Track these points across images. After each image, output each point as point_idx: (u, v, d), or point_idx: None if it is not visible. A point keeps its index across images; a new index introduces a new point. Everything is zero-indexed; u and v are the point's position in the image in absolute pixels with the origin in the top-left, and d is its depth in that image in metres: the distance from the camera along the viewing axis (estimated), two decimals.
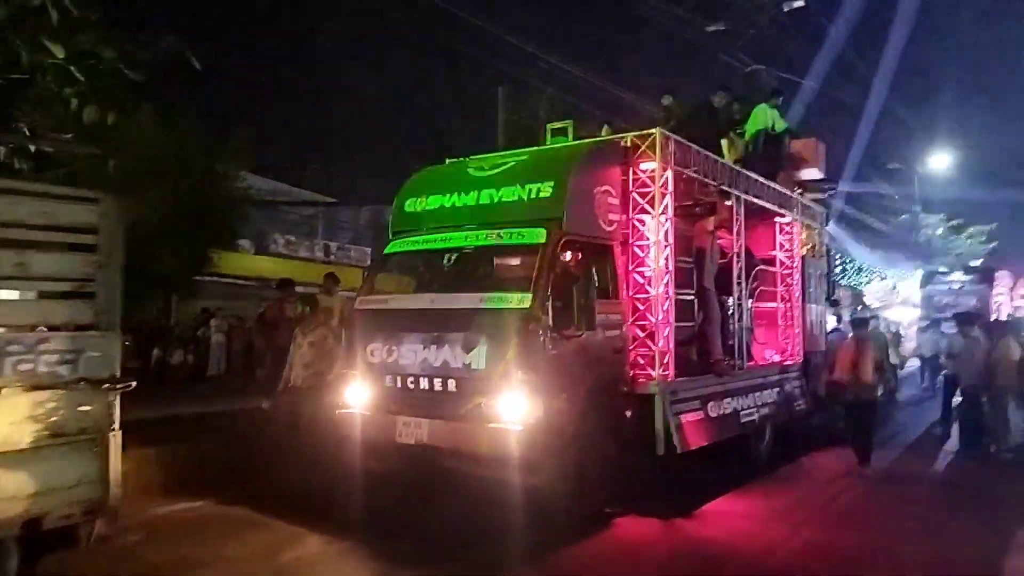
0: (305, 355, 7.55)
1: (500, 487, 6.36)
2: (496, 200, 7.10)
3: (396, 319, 6.93)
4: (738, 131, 11.05)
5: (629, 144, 7.79)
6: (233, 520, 6.75)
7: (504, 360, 6.27)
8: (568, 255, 6.85)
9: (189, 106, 16.80)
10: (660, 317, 7.60)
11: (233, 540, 6.20)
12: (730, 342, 9.44)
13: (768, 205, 10.20)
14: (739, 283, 9.51)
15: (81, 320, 4.46)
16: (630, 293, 7.57)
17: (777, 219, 10.78)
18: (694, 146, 8.33)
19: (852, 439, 9.46)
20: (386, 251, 7.60)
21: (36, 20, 6.25)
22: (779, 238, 10.92)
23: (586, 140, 8.05)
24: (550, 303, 6.40)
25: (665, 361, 7.60)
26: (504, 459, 6.14)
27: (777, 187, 10.56)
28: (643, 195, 7.63)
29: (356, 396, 7.13)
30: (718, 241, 9.39)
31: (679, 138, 8.08)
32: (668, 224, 7.73)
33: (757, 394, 9.25)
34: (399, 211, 7.69)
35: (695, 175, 8.27)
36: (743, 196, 9.48)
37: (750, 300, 9.91)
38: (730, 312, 9.50)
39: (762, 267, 10.32)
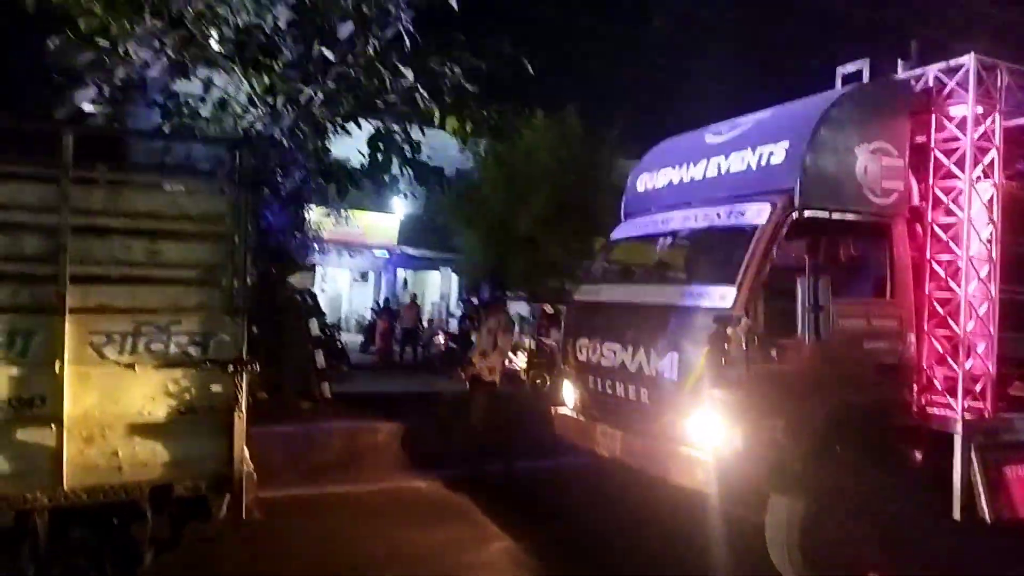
0: (482, 342, 7.38)
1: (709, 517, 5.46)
2: (724, 171, 6.02)
3: (601, 314, 6.36)
4: None
5: (929, 83, 5.86)
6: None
7: (695, 371, 5.21)
8: (808, 237, 5.74)
9: (565, 101, 18.00)
10: (971, 325, 5.65)
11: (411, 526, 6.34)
12: None
13: None
14: None
15: (210, 305, 4.84)
16: (928, 290, 5.79)
17: None
18: None
19: None
20: (612, 237, 7.02)
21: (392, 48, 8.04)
22: None
23: (847, 87, 6.25)
24: (762, 302, 5.13)
25: (979, 388, 5.62)
26: (698, 492, 5.18)
27: None
28: (950, 152, 5.76)
29: (569, 395, 6.78)
30: None
31: (1015, 65, 5.81)
32: (992, 192, 5.70)
33: None
34: (631, 191, 7.06)
35: None
36: None
37: None
38: None
39: None
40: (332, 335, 14.81)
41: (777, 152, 5.54)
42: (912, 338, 5.67)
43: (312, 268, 13.83)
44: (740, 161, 5.87)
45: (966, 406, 5.50)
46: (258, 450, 5.15)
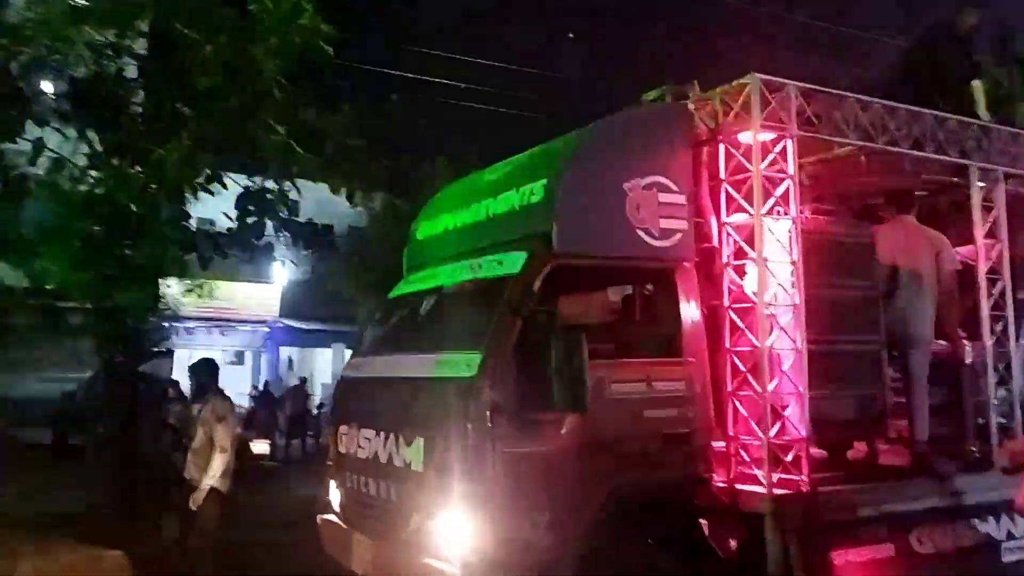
0: (198, 437, 6.28)
1: None
2: (490, 214, 5.53)
3: (362, 393, 5.78)
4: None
5: (716, 107, 5.43)
6: None
7: (438, 458, 4.57)
8: (575, 289, 5.43)
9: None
10: (774, 383, 5.07)
11: None
12: (979, 419, 6.12)
13: None
14: (1000, 317, 6.18)
15: None
16: (728, 344, 5.25)
17: None
18: (858, 96, 5.68)
19: None
20: (389, 296, 6.48)
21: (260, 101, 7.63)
22: None
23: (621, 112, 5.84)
24: (513, 369, 4.53)
25: (790, 457, 5.02)
26: None
27: None
28: (739, 185, 5.34)
29: (334, 495, 5.97)
30: (951, 250, 6.27)
31: (810, 86, 5.46)
32: (790, 228, 5.27)
33: None
34: (412, 240, 6.53)
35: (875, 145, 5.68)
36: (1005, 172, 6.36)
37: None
38: (986, 365, 6.17)
39: None
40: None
41: (536, 191, 5.06)
42: (709, 402, 5.15)
43: (169, 353, 12.68)
44: (505, 202, 5.36)
45: (775, 479, 4.93)
46: None
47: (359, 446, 5.42)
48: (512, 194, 5.28)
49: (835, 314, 5.50)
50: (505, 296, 4.63)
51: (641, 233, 5.03)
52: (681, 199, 5.18)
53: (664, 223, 5.10)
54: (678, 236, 5.15)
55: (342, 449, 5.73)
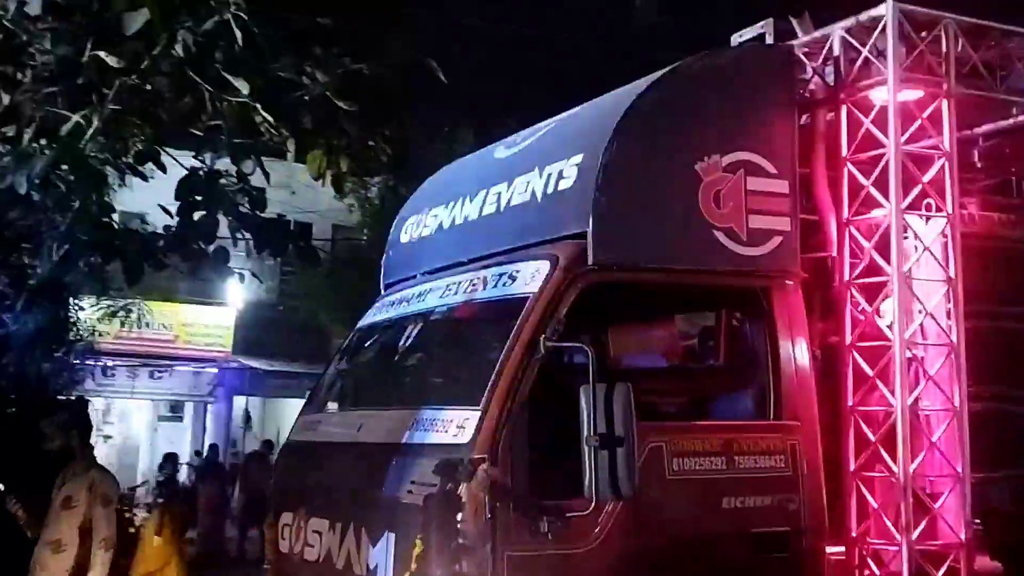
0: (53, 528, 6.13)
1: None
2: (504, 205, 5.56)
3: (311, 463, 5.91)
4: None
5: (836, 51, 5.50)
6: None
7: (415, 566, 4.46)
8: (616, 316, 5.67)
9: None
10: (920, 458, 5.13)
11: None
12: None
13: None
14: None
15: None
16: (851, 401, 5.27)
17: None
18: None
19: None
20: (358, 325, 6.59)
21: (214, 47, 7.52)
22: None
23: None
24: (524, 434, 4.50)
25: (943, 571, 5.03)
26: None
27: None
28: (869, 167, 5.36)
29: None
30: None
31: (978, 21, 5.67)
32: (944, 229, 5.33)
33: None
34: (394, 245, 6.80)
35: None
36: None
37: None
38: None
39: None
40: (120, 513, 13.70)
41: (566, 173, 5.07)
42: (821, 486, 5.05)
43: (80, 405, 12.94)
44: (524, 188, 5.39)
45: None
46: None
47: (307, 543, 5.38)
48: (532, 177, 5.28)
49: (1014, 358, 5.52)
50: (517, 326, 4.58)
51: (721, 235, 4.99)
52: (782, 186, 5.16)
53: (755, 221, 5.07)
54: (777, 241, 5.11)
55: (284, 547, 5.69)
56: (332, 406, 6.34)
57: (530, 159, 5.48)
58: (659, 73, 5.32)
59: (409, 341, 5.77)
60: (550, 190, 5.13)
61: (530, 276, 4.82)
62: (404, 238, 6.52)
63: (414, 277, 6.19)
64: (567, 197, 4.98)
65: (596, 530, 4.44)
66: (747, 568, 4.84)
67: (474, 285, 5.27)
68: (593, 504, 4.29)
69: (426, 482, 4.44)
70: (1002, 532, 5.29)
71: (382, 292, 6.63)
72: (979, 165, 6.13)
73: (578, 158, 4.99)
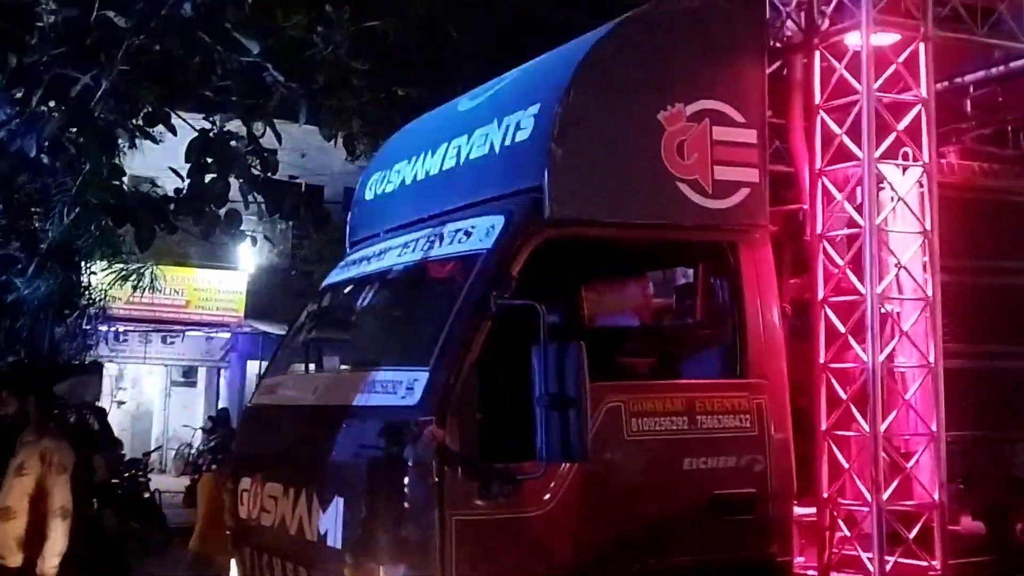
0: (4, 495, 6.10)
1: None
2: (463, 158, 5.50)
3: (273, 429, 5.88)
4: None
5: None
6: None
7: (361, 531, 4.53)
8: (575, 273, 5.61)
9: None
10: (892, 416, 5.06)
11: None
12: None
13: None
14: None
15: None
16: (823, 358, 5.27)
17: None
18: None
19: None
20: (323, 284, 6.63)
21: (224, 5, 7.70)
22: None
23: None
24: (475, 396, 4.45)
25: (916, 531, 5.01)
26: None
27: None
28: (842, 114, 5.33)
29: None
30: None
31: None
32: (919, 179, 5.30)
33: None
34: (359, 202, 6.76)
35: None
36: None
37: None
38: None
39: None
40: (134, 478, 13.99)
41: (523, 124, 4.97)
42: (789, 446, 5.01)
43: (95, 369, 12.98)
44: (483, 141, 5.31)
45: (889, 565, 4.89)
46: None
47: (263, 508, 5.36)
48: (491, 129, 5.18)
49: (993, 313, 5.52)
50: (468, 284, 4.56)
51: (685, 188, 4.91)
52: (750, 136, 5.06)
53: (722, 172, 4.98)
54: (744, 193, 5.02)
55: (242, 513, 5.70)
56: (293, 368, 6.33)
57: (490, 110, 5.40)
58: (624, 17, 5.22)
59: (367, 301, 5.80)
60: (508, 142, 5.03)
61: (484, 232, 4.80)
62: (368, 195, 6.47)
63: (377, 235, 6.12)
64: (524, 149, 4.90)
65: (548, 495, 4.41)
66: (710, 532, 4.80)
67: (430, 242, 5.24)
68: (545, 467, 4.24)
69: (373, 445, 4.46)
70: (984, 493, 5.26)
71: (346, 252, 6.59)
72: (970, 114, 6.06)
73: (535, 108, 4.90)
